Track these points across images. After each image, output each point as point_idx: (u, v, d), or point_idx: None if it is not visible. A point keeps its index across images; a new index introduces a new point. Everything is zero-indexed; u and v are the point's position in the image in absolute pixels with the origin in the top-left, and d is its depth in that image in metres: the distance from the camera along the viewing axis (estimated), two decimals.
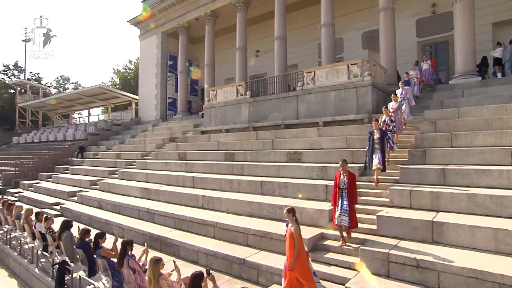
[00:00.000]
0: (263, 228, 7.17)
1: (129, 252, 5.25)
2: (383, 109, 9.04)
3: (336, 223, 6.14)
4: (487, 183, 6.40)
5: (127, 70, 50.56)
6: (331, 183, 8.20)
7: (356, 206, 7.30)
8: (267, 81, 16.00)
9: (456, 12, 11.65)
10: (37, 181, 18.76)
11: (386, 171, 7.86)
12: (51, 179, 18.46)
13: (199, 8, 21.33)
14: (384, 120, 8.65)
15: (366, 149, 7.83)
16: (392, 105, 9.44)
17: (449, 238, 5.43)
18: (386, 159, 7.88)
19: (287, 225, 5.13)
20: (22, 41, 44.60)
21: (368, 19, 16.62)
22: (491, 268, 4.40)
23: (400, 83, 10.51)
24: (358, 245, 5.92)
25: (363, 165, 8.04)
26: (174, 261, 4.95)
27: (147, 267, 5.08)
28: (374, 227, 6.40)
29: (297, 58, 19.52)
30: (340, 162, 6.37)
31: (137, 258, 5.44)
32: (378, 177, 7.59)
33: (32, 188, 17.32)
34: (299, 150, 11.04)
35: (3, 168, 20.94)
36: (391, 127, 8.67)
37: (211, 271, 4.13)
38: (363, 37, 17.93)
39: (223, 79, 23.56)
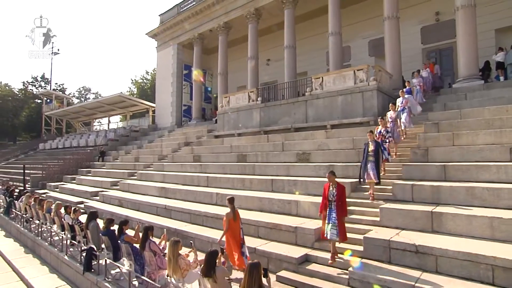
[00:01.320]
0: (273, 221, 7.49)
1: (150, 236, 5.64)
2: (379, 119, 8.85)
3: (325, 235, 5.85)
4: (486, 178, 6.56)
5: (144, 81, 51.94)
6: (337, 180, 8.51)
7: (361, 200, 7.59)
8: (278, 87, 16.43)
9: (458, 19, 11.84)
10: (62, 183, 19.56)
11: (385, 174, 8.13)
12: (75, 181, 19.24)
13: (212, 20, 22.06)
14: (380, 131, 8.49)
15: (361, 161, 7.62)
16: (390, 114, 9.29)
17: (447, 227, 5.64)
18: (381, 171, 7.61)
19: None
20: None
21: (374, 28, 16.88)
22: (485, 252, 4.61)
23: (400, 92, 10.34)
24: (361, 235, 6.15)
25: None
26: (191, 242, 5.31)
27: (166, 251, 5.49)
28: (378, 219, 6.63)
29: (306, 66, 19.90)
30: (327, 174, 6.06)
31: (157, 242, 5.82)
32: (374, 193, 7.42)
33: (57, 189, 18.06)
34: (307, 151, 11.32)
35: (31, 171, 21.86)
36: (386, 138, 8.46)
37: (224, 250, 4.47)
38: (370, 45, 18.20)
39: (236, 87, 24.09)
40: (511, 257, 4.35)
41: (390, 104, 9.54)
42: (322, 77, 13.65)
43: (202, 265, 4.35)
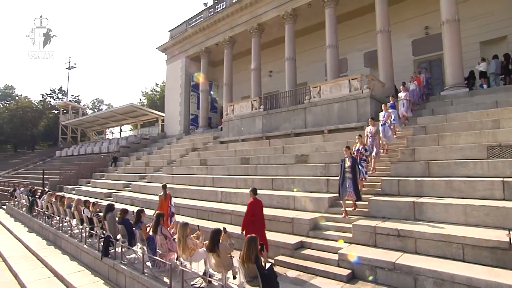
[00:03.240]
0: (272, 213, 7.94)
1: (162, 222, 6.13)
2: (357, 137, 8.46)
3: None
4: (465, 173, 6.98)
5: (154, 92, 52.96)
6: (332, 178, 9.00)
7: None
8: (279, 96, 16.95)
9: (444, 32, 12.37)
10: (78, 186, 20.18)
11: (366, 183, 8.10)
12: (89, 184, 19.85)
13: (219, 35, 22.89)
14: (358, 149, 8.09)
15: (338, 178, 7.37)
16: (369, 129, 8.92)
17: (427, 215, 6.07)
18: (359, 188, 7.38)
19: None
20: (66, 68, 48.13)
21: (369, 41, 17.40)
22: (457, 233, 5.03)
23: (382, 106, 9.93)
24: (351, 224, 6.57)
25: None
26: (198, 226, 5.79)
27: (175, 237, 5.96)
28: (367, 210, 7.06)
29: (306, 77, 20.45)
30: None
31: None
32: (346, 208, 7.15)
33: (74, 191, 18.64)
34: (306, 153, 11.76)
35: (49, 176, 22.56)
36: (364, 156, 8.06)
37: (227, 229, 4.96)
38: (365, 57, 18.76)
39: (240, 97, 24.62)
40: (478, 236, 4.78)
41: (369, 120, 9.26)
42: (320, 86, 14.21)
43: (207, 242, 4.82)
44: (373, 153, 8.68)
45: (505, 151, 6.98)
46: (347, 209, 7.24)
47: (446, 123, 9.62)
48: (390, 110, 9.98)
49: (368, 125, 9.28)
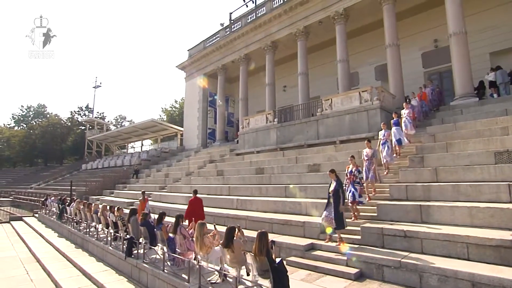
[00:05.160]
0: (285, 218, 8.19)
1: (181, 223, 6.52)
2: (349, 159, 7.74)
3: None
4: (472, 178, 7.01)
5: (173, 109, 54.77)
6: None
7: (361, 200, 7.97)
8: (292, 109, 17.34)
9: (452, 45, 12.53)
10: (102, 196, 21.06)
11: (369, 201, 7.80)
12: (113, 194, 20.67)
13: (234, 53, 23.79)
14: (351, 171, 7.36)
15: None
16: (366, 152, 8.20)
17: (434, 217, 6.18)
18: (354, 212, 7.21)
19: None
20: (93, 87, 50.71)
21: (379, 55, 17.69)
22: (461, 232, 5.14)
23: (382, 124, 9.30)
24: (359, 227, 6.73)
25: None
26: (214, 225, 6.14)
27: (193, 238, 6.31)
28: (376, 214, 7.20)
29: (318, 91, 20.81)
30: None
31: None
32: (341, 235, 6.50)
33: (98, 201, 19.30)
34: (318, 163, 11.97)
35: (76, 187, 23.64)
36: (358, 178, 7.35)
37: (241, 227, 5.29)
38: (376, 70, 18.98)
39: (255, 111, 25.11)
40: (481, 235, 4.88)
41: (366, 142, 8.52)
42: (331, 99, 14.51)
43: (223, 239, 5.15)
44: (369, 178, 7.93)
45: None
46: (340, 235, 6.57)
47: (455, 131, 9.66)
48: (393, 128, 9.53)
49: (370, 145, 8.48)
